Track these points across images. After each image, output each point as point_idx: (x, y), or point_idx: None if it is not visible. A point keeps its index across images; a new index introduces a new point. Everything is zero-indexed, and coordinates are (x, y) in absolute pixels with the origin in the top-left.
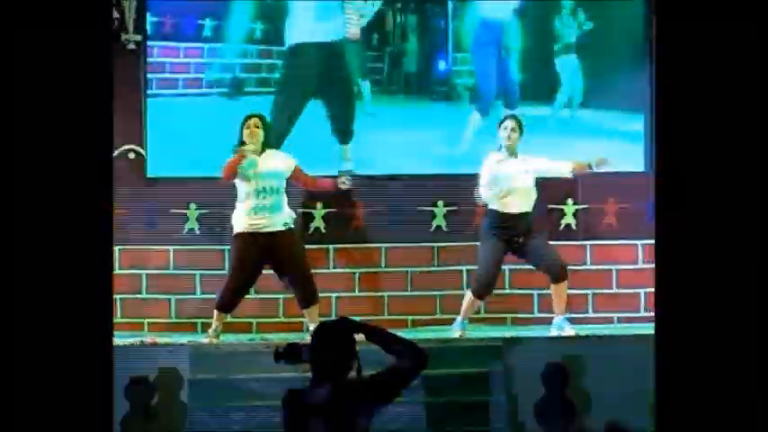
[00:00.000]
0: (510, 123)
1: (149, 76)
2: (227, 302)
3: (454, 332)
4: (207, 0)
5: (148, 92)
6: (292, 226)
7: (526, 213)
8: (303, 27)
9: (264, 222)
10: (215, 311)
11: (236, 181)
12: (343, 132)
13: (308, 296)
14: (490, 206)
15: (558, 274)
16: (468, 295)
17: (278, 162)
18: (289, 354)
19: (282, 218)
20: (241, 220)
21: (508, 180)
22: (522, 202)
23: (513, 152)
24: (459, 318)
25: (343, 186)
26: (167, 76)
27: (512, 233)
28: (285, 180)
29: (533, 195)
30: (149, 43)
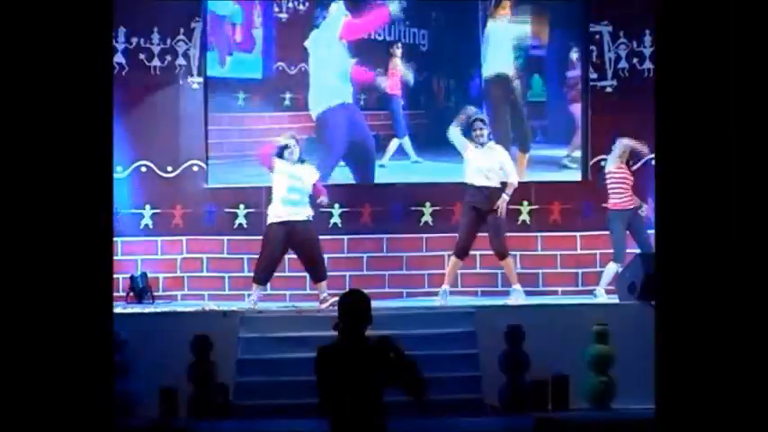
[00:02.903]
0: (478, 124)
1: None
2: (259, 275)
3: (439, 300)
4: None
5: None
6: (311, 220)
7: (487, 187)
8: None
9: (290, 212)
10: (253, 284)
11: (275, 180)
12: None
13: (318, 274)
14: (467, 182)
15: (499, 253)
16: (452, 259)
17: (305, 171)
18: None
19: (305, 212)
20: (273, 211)
21: (475, 162)
22: (483, 177)
23: (482, 143)
24: (444, 286)
25: (322, 203)
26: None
27: (478, 202)
28: (308, 185)
29: (495, 174)
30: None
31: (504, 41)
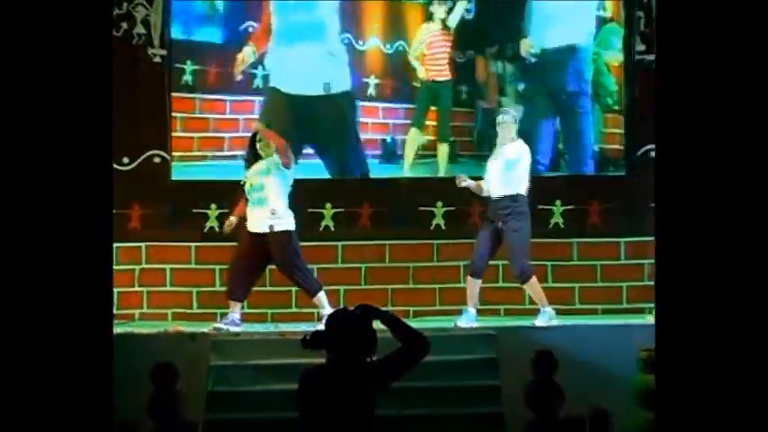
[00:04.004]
0: (505, 117)
1: None
2: (230, 288)
3: (461, 323)
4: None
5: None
6: (275, 231)
7: (504, 197)
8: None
9: (253, 219)
10: (229, 301)
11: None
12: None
13: (308, 289)
14: (484, 193)
15: (519, 279)
16: (468, 278)
17: (270, 162)
18: (314, 341)
19: (265, 219)
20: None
21: (493, 165)
22: (501, 184)
23: (502, 143)
24: (469, 307)
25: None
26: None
27: (491, 215)
28: (275, 178)
29: (508, 181)
30: None
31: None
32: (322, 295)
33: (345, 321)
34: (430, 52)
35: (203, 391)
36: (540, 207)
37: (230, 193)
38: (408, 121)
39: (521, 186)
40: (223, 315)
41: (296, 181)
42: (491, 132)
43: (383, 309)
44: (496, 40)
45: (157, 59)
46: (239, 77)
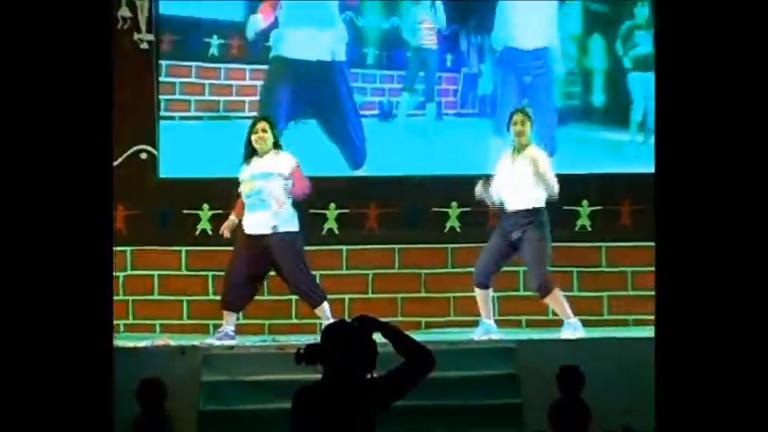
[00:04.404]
0: (520, 117)
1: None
2: (224, 298)
3: (478, 335)
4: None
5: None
6: (279, 232)
7: (519, 211)
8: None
9: (251, 222)
10: (223, 311)
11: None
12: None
13: (311, 299)
14: (496, 200)
15: (539, 292)
16: (475, 290)
17: (274, 163)
18: (309, 355)
19: (267, 221)
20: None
21: (506, 174)
22: (515, 196)
23: (521, 148)
24: (485, 319)
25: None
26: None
27: (506, 229)
28: (279, 180)
29: (530, 192)
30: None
31: None
32: (325, 306)
33: (343, 334)
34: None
35: (194, 411)
36: (565, 208)
37: (224, 192)
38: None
39: (542, 198)
40: (217, 327)
41: None
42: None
43: (383, 320)
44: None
45: (144, 46)
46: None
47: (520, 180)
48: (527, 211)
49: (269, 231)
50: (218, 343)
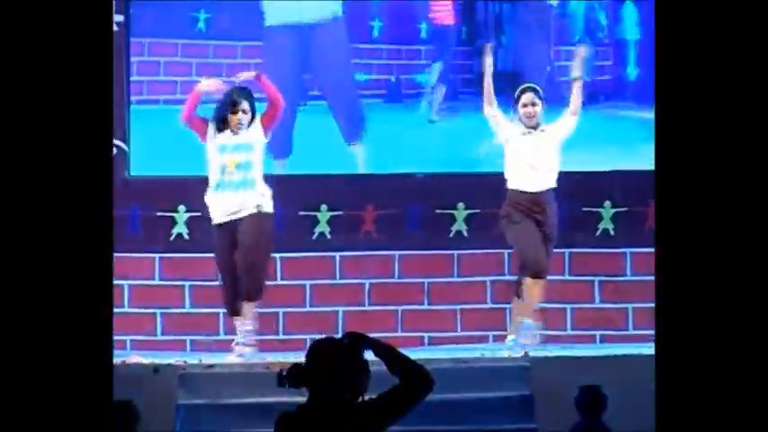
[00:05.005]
0: (529, 96)
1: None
2: (227, 306)
3: (506, 351)
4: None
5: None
6: (262, 212)
7: (534, 192)
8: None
9: (228, 202)
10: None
11: (209, 155)
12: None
13: (248, 289)
14: (512, 185)
15: (541, 269)
16: (527, 281)
17: (253, 135)
18: (293, 377)
19: (252, 198)
20: (210, 204)
21: (520, 154)
22: (531, 177)
23: (534, 125)
24: (527, 319)
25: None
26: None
27: (533, 210)
28: (260, 152)
29: (547, 171)
30: None
31: None
32: (253, 306)
33: (330, 352)
34: None
35: None
36: (585, 210)
37: (203, 192)
38: (412, 62)
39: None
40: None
41: (285, 177)
42: None
43: (375, 336)
44: None
45: (114, 27)
46: None
47: (540, 159)
48: (544, 192)
49: (252, 212)
50: (247, 351)
